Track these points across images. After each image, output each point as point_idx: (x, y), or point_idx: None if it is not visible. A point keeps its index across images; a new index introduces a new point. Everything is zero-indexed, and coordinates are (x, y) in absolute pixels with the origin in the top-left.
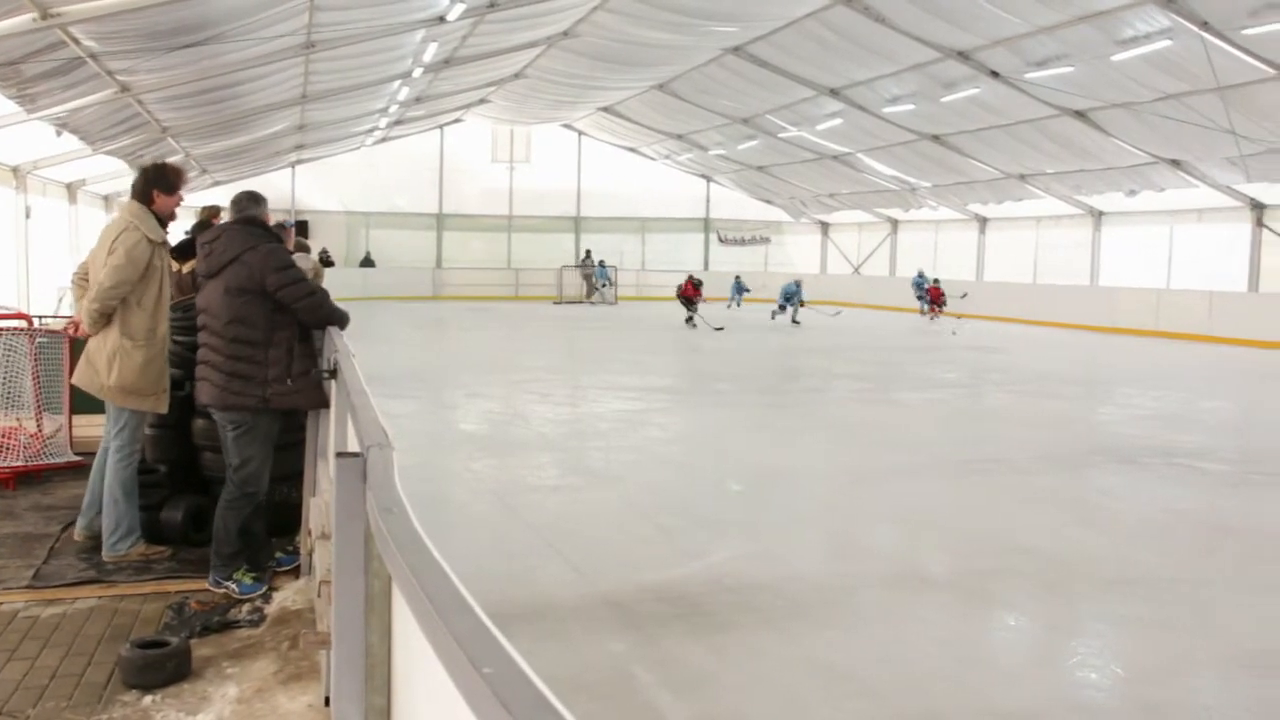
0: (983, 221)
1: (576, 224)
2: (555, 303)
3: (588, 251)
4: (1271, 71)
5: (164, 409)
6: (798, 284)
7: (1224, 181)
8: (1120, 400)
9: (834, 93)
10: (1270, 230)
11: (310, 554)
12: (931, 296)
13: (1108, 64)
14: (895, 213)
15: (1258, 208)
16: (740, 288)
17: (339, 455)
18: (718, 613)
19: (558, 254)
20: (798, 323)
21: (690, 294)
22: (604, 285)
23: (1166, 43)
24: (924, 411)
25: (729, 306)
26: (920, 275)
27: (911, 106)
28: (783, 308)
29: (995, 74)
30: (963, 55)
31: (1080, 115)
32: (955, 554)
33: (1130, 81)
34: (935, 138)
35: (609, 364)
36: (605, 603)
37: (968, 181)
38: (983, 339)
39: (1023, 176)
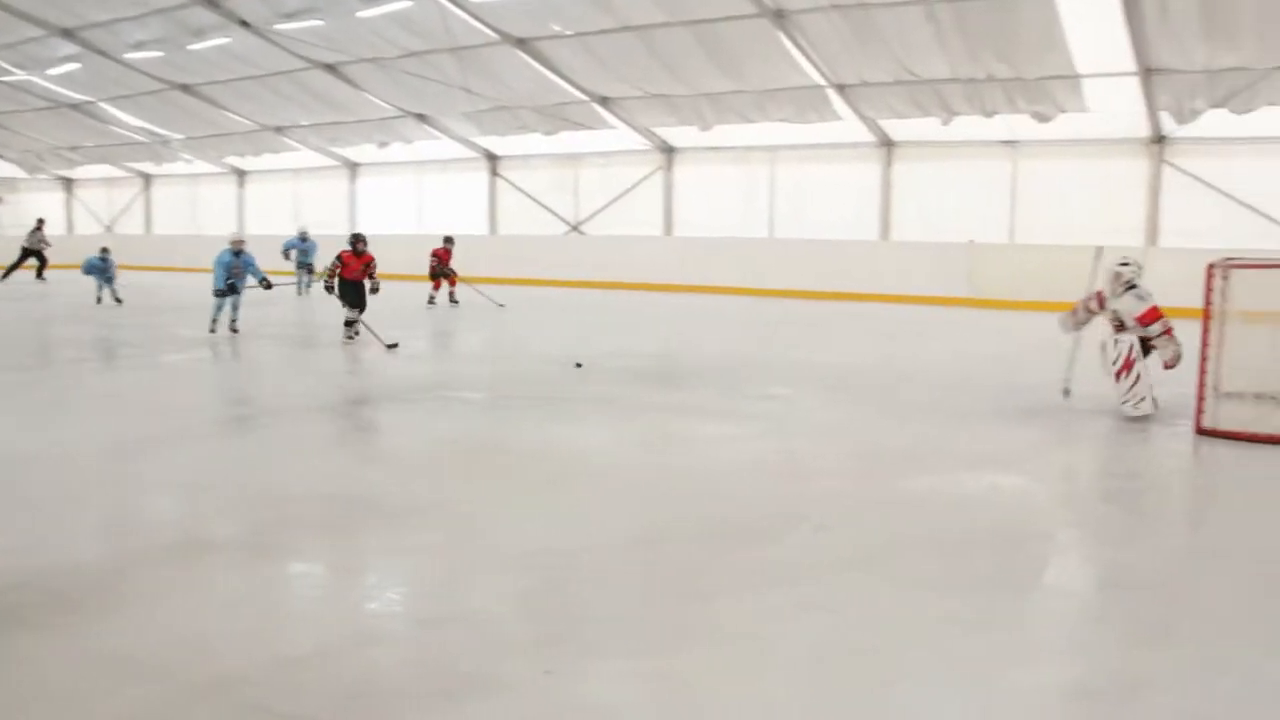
0: (241, 174)
1: None
2: None
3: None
4: (496, 37)
5: None
6: (104, 253)
7: (463, 134)
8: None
9: (68, 33)
10: (503, 179)
11: None
12: (440, 259)
13: (355, 20)
14: (148, 167)
15: (492, 158)
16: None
17: None
18: None
19: None
20: (120, 301)
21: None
22: None
23: (408, 3)
24: (189, 372)
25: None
26: (302, 237)
27: (158, 53)
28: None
29: (245, 24)
30: (211, 3)
31: (331, 69)
32: (237, 512)
33: (377, 38)
34: (185, 87)
35: None
36: None
37: (224, 134)
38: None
39: (279, 129)
